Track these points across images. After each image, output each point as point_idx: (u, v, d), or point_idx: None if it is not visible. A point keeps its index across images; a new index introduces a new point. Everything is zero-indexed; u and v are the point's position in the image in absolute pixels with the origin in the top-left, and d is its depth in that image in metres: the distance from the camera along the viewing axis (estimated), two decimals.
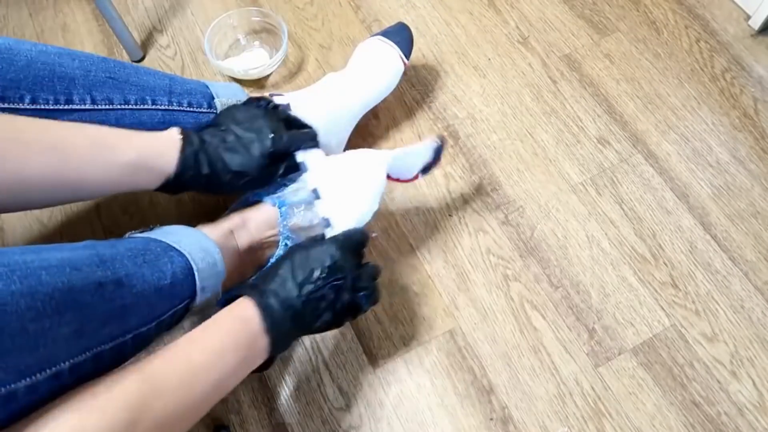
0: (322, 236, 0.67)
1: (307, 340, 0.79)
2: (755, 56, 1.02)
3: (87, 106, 0.67)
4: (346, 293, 0.62)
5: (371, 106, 0.89)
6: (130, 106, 0.70)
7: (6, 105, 0.60)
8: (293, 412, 0.75)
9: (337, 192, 0.70)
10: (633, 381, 0.76)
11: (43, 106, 0.63)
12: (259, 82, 1.01)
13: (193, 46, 1.06)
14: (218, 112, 0.76)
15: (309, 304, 0.60)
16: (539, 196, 0.89)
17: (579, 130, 0.95)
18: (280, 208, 0.71)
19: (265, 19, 1.03)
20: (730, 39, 1.04)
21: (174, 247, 0.59)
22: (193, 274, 0.59)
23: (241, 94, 0.79)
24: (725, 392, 0.75)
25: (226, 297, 0.62)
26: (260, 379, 0.76)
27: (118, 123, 0.69)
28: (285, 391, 0.76)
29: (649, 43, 1.04)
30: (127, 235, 0.62)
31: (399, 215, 0.88)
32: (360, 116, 0.88)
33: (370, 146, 0.93)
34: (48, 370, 0.43)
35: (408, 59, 0.91)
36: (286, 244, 0.70)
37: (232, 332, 0.56)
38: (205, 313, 0.60)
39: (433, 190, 0.90)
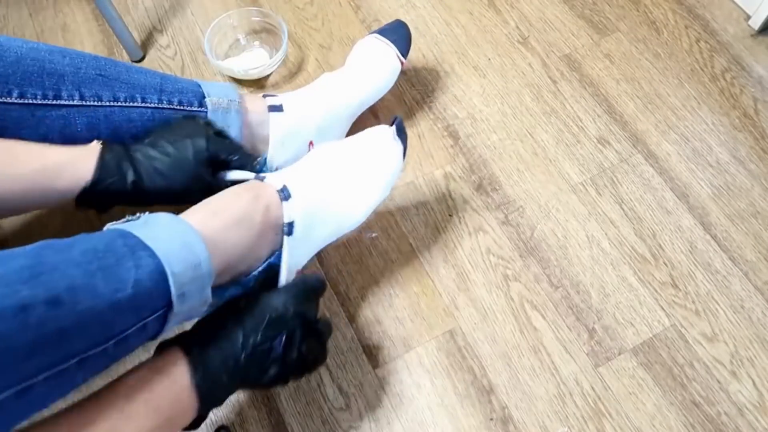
0: (276, 284, 0.63)
1: None
2: (755, 56, 1.02)
3: (75, 102, 0.66)
4: (295, 349, 0.58)
5: (368, 105, 0.89)
6: (120, 104, 0.70)
7: None
8: (293, 412, 0.75)
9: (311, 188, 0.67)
10: (633, 381, 0.76)
11: (31, 101, 0.63)
12: (259, 82, 1.01)
13: (193, 46, 1.06)
14: (209, 111, 0.76)
15: (254, 357, 0.55)
16: (539, 196, 0.89)
17: (579, 130, 0.95)
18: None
19: (265, 19, 1.03)
20: (730, 39, 1.04)
21: (146, 245, 0.49)
22: (167, 280, 0.49)
23: (233, 94, 0.78)
24: (725, 392, 0.75)
25: (223, 296, 0.59)
26: None
27: (108, 120, 0.69)
28: (285, 391, 0.76)
29: (649, 43, 1.04)
30: (107, 226, 0.55)
31: (399, 215, 0.88)
32: (357, 115, 0.88)
33: None
34: None
35: (405, 57, 0.91)
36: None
37: (155, 397, 0.49)
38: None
39: (433, 190, 0.90)
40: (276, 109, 0.79)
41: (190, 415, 0.53)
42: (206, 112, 0.75)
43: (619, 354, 0.78)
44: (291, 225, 0.64)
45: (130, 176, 0.62)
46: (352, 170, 0.70)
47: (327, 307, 0.81)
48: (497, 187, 0.90)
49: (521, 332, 0.79)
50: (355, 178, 0.70)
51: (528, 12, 1.09)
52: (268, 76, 1.02)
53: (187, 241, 0.52)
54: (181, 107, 0.74)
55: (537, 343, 0.78)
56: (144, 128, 0.71)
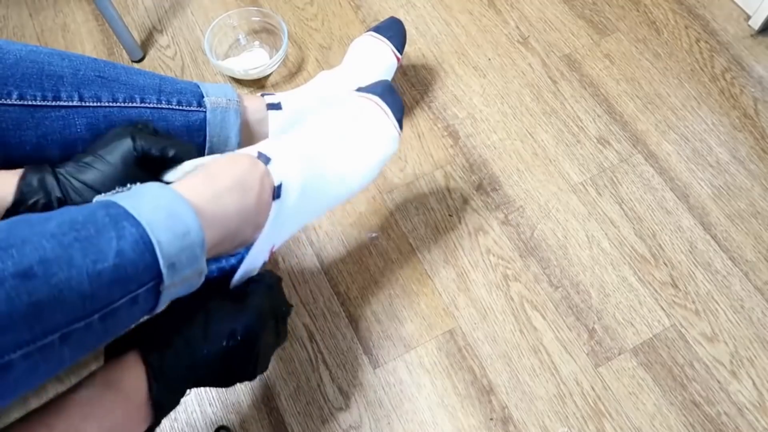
0: (246, 294, 0.61)
1: (307, 340, 0.79)
2: (755, 56, 1.02)
3: (74, 103, 0.67)
4: (264, 344, 0.58)
5: None
6: (119, 104, 0.70)
7: None
8: (293, 412, 0.75)
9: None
10: (633, 381, 0.76)
11: (30, 102, 0.64)
12: (259, 82, 1.01)
13: (193, 46, 1.06)
14: (208, 110, 0.75)
15: (223, 361, 0.54)
16: (539, 196, 0.89)
17: (579, 130, 0.95)
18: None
19: (265, 19, 1.03)
20: (730, 39, 1.04)
21: (130, 215, 0.47)
22: (153, 250, 0.47)
23: (232, 94, 0.78)
24: (725, 392, 0.75)
25: (222, 269, 0.57)
26: (260, 379, 0.76)
27: (107, 120, 0.69)
28: (285, 391, 0.76)
29: (649, 43, 1.04)
30: (95, 199, 0.52)
31: (399, 215, 0.88)
32: None
33: None
34: None
35: (401, 53, 0.92)
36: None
37: (107, 422, 0.47)
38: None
39: (433, 190, 0.90)
40: (275, 107, 0.80)
41: (140, 430, 0.51)
42: (205, 111, 0.75)
43: (619, 354, 0.78)
44: (279, 188, 0.61)
45: (56, 193, 0.59)
46: (341, 137, 0.68)
47: (327, 307, 0.81)
48: (497, 187, 0.90)
49: (521, 332, 0.79)
50: (346, 143, 0.68)
51: (528, 12, 1.09)
52: (268, 76, 1.02)
53: (174, 209, 0.50)
54: (180, 107, 0.74)
55: (537, 343, 0.78)
56: None
